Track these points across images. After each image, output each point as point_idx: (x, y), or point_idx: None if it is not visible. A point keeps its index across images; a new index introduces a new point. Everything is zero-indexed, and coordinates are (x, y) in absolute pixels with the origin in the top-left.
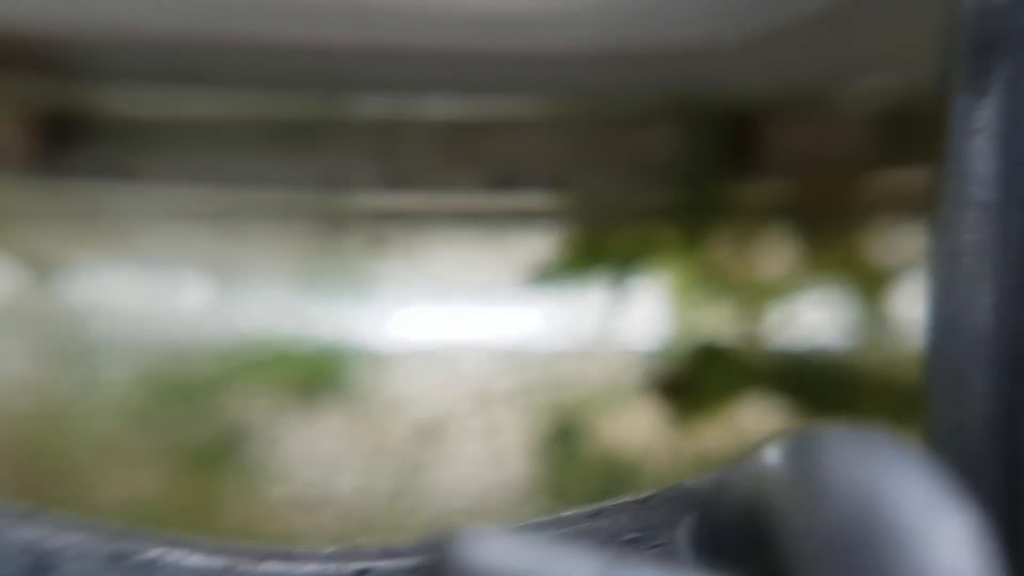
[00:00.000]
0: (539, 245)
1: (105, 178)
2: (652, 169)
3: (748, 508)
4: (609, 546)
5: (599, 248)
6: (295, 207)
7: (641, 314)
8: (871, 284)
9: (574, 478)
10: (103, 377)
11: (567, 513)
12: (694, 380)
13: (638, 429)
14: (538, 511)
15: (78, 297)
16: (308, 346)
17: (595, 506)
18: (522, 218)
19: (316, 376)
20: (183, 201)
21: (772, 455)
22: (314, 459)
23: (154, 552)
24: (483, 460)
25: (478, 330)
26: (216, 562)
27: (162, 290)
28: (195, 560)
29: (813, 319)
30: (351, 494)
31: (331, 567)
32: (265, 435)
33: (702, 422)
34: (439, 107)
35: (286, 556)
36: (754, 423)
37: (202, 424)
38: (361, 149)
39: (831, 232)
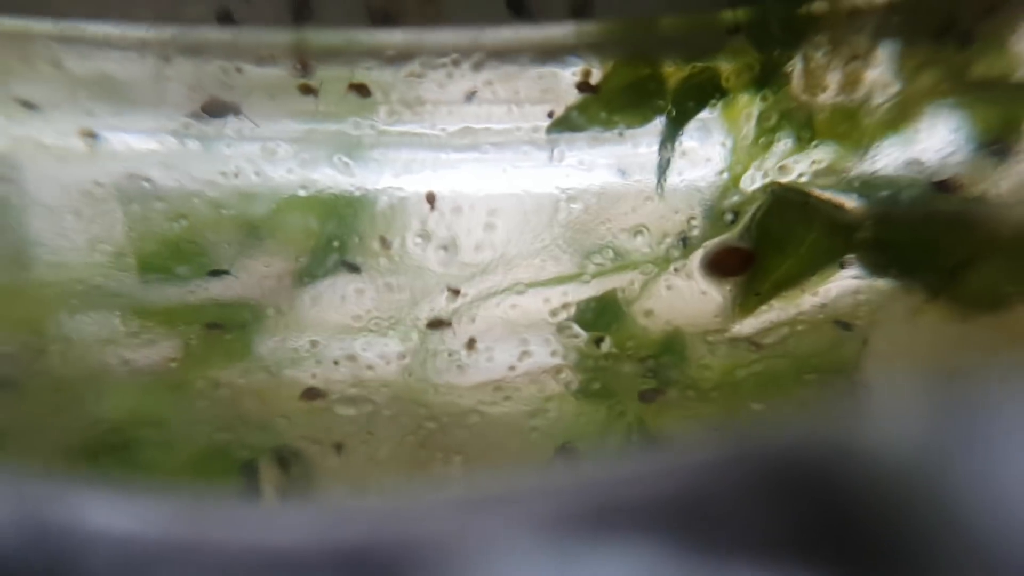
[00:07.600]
0: (567, 85)
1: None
2: None
3: None
4: None
5: (643, 86)
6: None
7: (698, 164)
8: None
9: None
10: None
11: None
12: (766, 244)
13: (684, 306)
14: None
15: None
16: (314, 200)
17: None
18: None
19: (326, 234)
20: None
21: None
22: (332, 328)
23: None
24: (512, 326)
25: (500, 183)
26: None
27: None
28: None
29: (926, 156)
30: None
31: None
32: (280, 304)
33: (773, 297)
34: None
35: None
36: (843, 300)
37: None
38: None
39: (961, 40)
